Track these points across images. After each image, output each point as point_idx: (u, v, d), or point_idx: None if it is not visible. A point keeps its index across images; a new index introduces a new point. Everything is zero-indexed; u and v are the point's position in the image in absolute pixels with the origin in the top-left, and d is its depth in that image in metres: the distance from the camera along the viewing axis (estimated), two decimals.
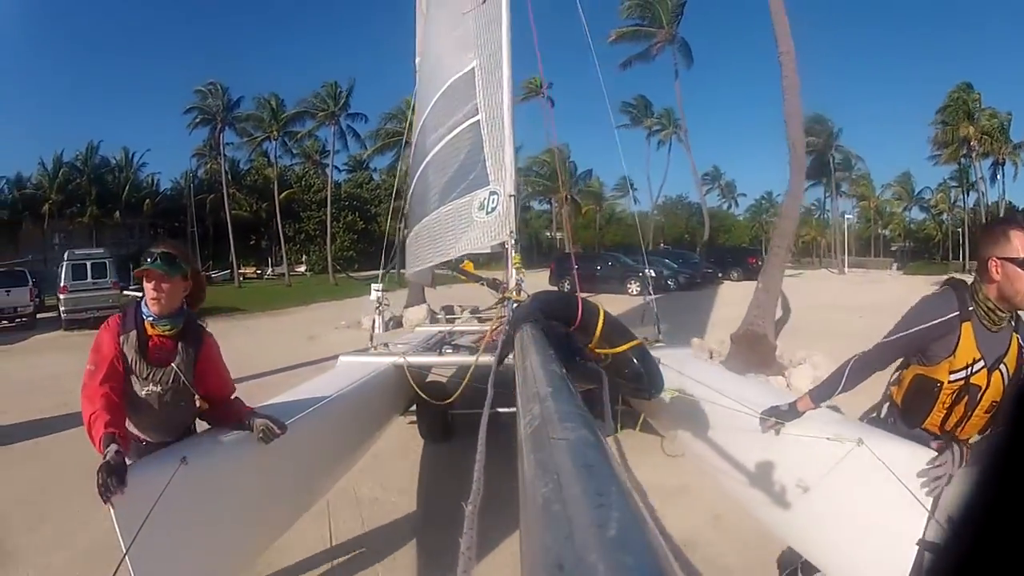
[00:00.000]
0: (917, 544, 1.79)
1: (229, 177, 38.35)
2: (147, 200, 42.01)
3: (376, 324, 5.04)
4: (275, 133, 38.00)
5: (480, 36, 4.00)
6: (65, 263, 15.39)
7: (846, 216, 40.91)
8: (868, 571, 2.02)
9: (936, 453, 1.88)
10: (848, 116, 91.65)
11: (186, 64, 75.94)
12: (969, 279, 1.99)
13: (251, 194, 43.03)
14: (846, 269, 34.68)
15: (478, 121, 3.75)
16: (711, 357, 7.69)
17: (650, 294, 6.14)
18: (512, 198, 3.68)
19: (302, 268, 41.94)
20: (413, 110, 5.51)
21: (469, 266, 4.42)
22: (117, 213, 39.85)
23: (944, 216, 43.81)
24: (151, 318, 2.04)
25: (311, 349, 4.00)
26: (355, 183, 44.72)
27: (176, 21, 78.71)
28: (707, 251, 29.10)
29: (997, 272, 1.82)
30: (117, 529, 1.67)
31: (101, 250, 18.21)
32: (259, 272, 40.79)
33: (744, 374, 6.75)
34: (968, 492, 0.39)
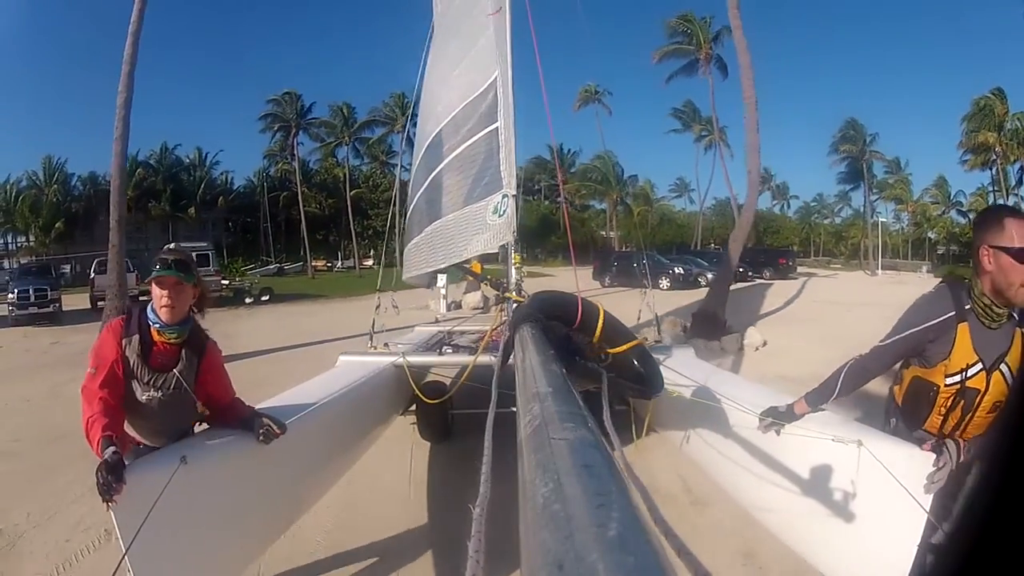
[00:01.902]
0: (917, 545, 1.79)
1: (300, 177, 42.08)
2: (220, 197, 45.09)
3: (375, 324, 5.04)
4: (347, 139, 42.13)
5: (501, 45, 4.01)
6: None
7: (880, 219, 42.57)
8: (868, 572, 2.02)
9: (934, 455, 1.87)
10: (885, 116, 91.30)
11: (256, 66, 78.57)
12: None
13: (320, 192, 46.00)
14: (879, 271, 35.72)
15: (496, 128, 3.79)
16: (684, 331, 9.88)
17: (649, 290, 6.12)
18: (514, 199, 3.70)
19: (369, 262, 43.96)
20: (414, 114, 5.53)
21: (477, 267, 4.46)
22: (192, 209, 42.32)
23: None
24: (158, 324, 2.03)
25: (391, 321, 5.13)
26: None
27: (246, 23, 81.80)
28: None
29: (989, 262, 1.74)
30: (117, 529, 1.67)
31: (205, 243, 21.12)
32: (329, 265, 43.33)
33: (695, 339, 8.78)
34: (967, 493, 0.39)
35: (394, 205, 7.38)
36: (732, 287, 11.60)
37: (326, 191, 45.83)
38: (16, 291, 15.06)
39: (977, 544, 0.38)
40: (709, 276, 22.44)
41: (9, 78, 60.54)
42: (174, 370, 2.08)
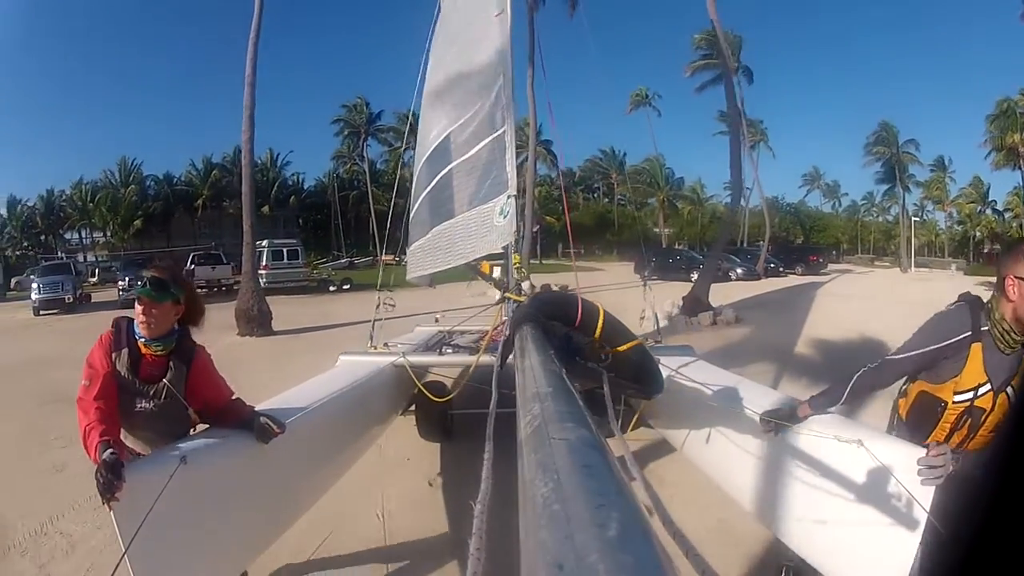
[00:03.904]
0: (917, 545, 1.79)
1: (369, 177, 45.88)
2: (292, 196, 48.74)
3: (375, 324, 5.03)
4: (413, 144, 44.25)
5: (503, 48, 4.01)
6: (266, 249, 20.97)
7: (913, 219, 43.98)
8: (868, 572, 2.02)
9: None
10: (923, 113, 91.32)
11: (321, 72, 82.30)
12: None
13: (388, 190, 48.95)
14: (911, 268, 36.57)
15: (504, 132, 3.83)
16: (676, 311, 12.21)
17: (650, 289, 6.10)
18: (514, 199, 3.71)
19: None
20: (416, 115, 5.53)
21: (486, 267, 4.49)
22: (265, 207, 44.47)
23: None
24: (143, 339, 2.07)
25: (456, 304, 6.27)
26: None
27: (309, 30, 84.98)
28: (777, 248, 31.96)
29: (1013, 291, 1.81)
30: (116, 529, 1.67)
31: (295, 240, 24.36)
32: (397, 259, 44.59)
33: (679, 315, 11.74)
34: (967, 494, 0.39)
35: (393, 205, 7.45)
36: (760, 283, 13.56)
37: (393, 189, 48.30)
38: (127, 279, 17.66)
39: (977, 544, 0.37)
40: (739, 271, 24.12)
41: (80, 80, 66.36)
42: (164, 380, 2.10)
